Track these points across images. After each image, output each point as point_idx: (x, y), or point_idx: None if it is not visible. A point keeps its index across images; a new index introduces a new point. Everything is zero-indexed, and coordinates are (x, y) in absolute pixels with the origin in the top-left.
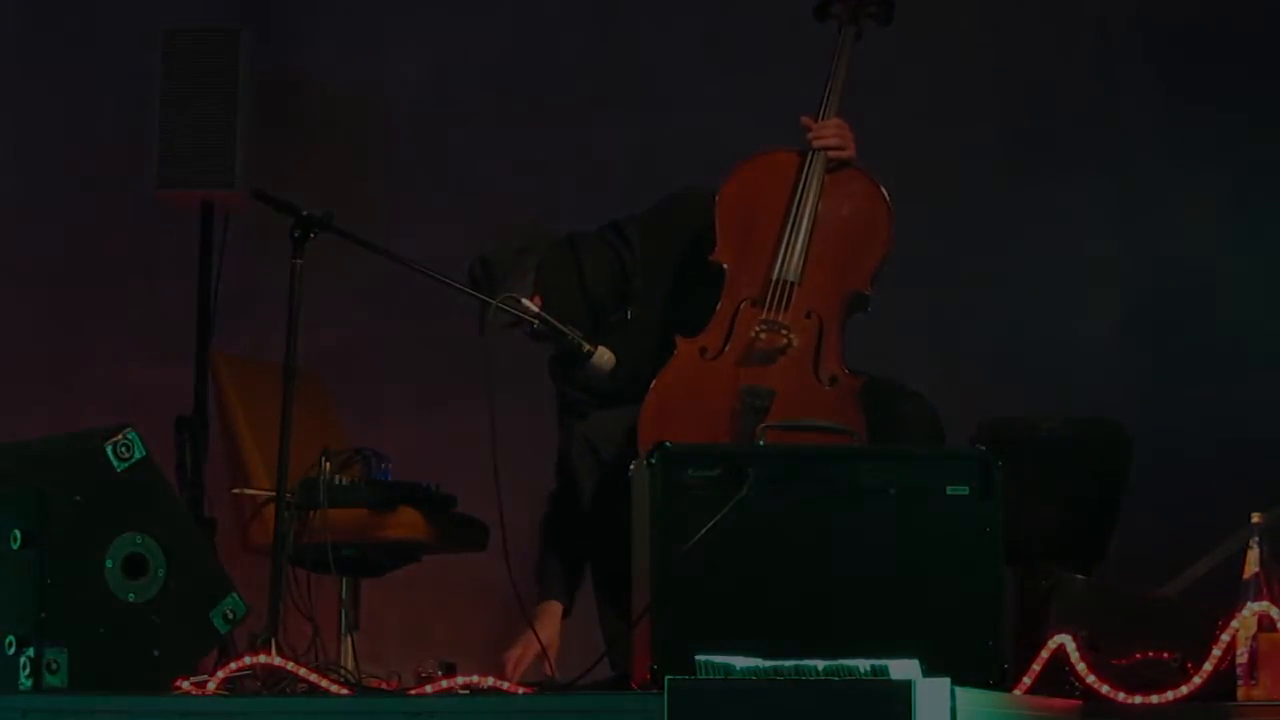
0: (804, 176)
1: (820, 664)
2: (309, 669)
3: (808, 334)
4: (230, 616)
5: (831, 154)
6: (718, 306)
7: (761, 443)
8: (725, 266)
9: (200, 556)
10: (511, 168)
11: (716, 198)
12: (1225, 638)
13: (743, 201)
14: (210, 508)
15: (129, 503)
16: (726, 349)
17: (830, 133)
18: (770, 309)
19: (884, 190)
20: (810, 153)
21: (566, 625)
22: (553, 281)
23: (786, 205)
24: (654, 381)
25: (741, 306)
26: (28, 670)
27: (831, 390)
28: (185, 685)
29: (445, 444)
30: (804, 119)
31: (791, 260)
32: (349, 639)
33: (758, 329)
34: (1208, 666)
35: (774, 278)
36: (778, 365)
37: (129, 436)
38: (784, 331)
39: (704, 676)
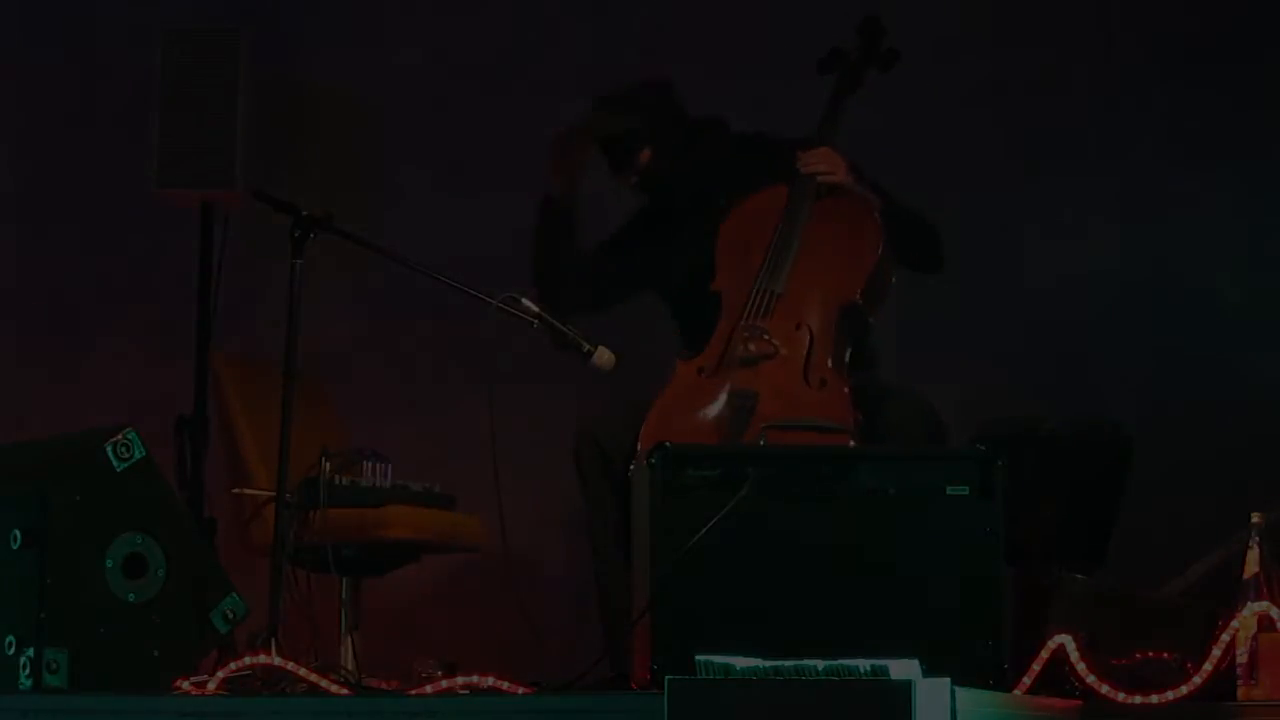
0: (792, 198)
1: (820, 664)
2: (309, 669)
3: (798, 345)
4: (230, 616)
5: (821, 178)
6: (716, 329)
7: (762, 442)
8: (723, 293)
9: (200, 556)
10: (512, 168)
11: (717, 233)
12: (1225, 638)
13: (740, 234)
14: (210, 508)
15: (129, 503)
16: (720, 365)
17: (817, 159)
18: (750, 314)
19: (874, 209)
20: (799, 178)
21: (566, 625)
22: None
23: (775, 226)
24: (655, 402)
25: (735, 326)
26: (28, 670)
27: (821, 392)
28: (185, 685)
29: (445, 444)
30: (798, 152)
31: (775, 271)
32: (349, 639)
33: (741, 333)
34: (1208, 666)
35: (756, 287)
36: (763, 368)
37: (129, 436)
38: (766, 336)
39: (704, 676)
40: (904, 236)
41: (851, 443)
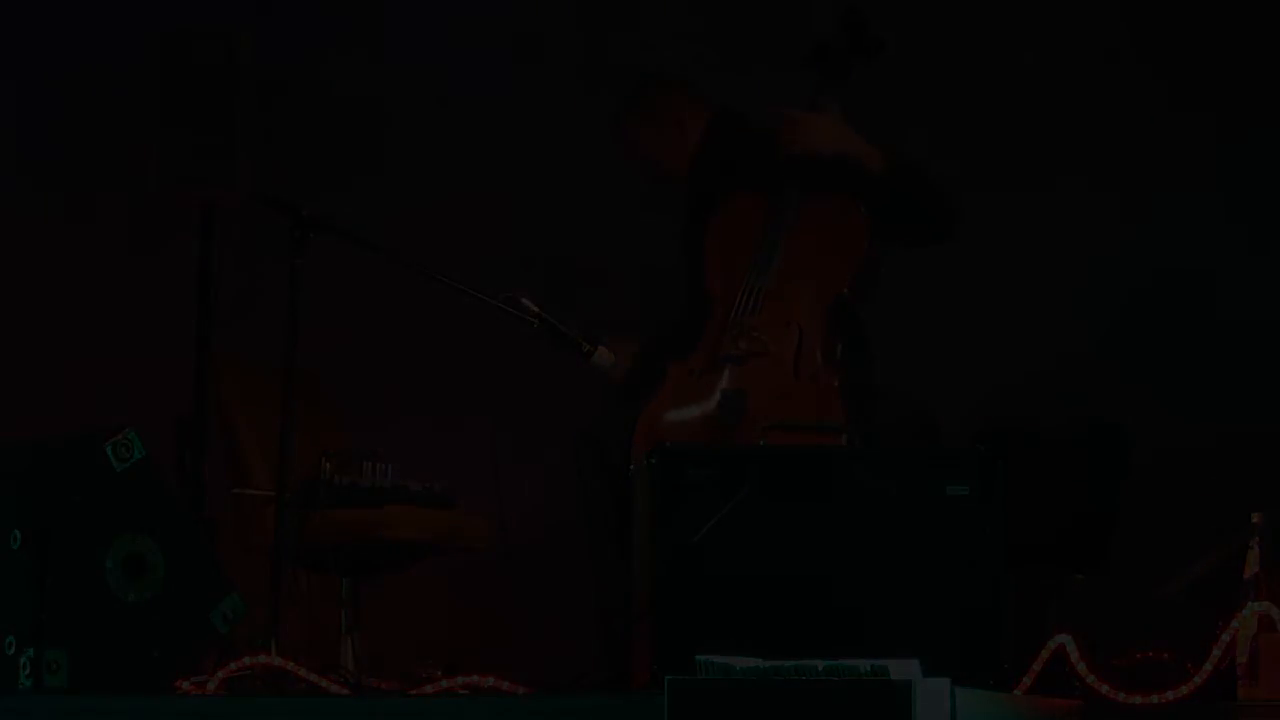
0: (776, 193)
1: (820, 664)
2: (309, 669)
3: (787, 342)
4: (230, 616)
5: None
6: (706, 331)
7: (762, 442)
8: (712, 294)
9: (200, 556)
10: (512, 168)
11: (706, 230)
12: (1225, 638)
13: (727, 233)
14: (210, 508)
15: (129, 503)
16: (711, 364)
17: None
18: (738, 312)
19: (860, 204)
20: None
21: (567, 625)
22: None
23: (762, 223)
24: (647, 407)
25: (724, 325)
26: (28, 670)
27: (811, 386)
28: (185, 685)
29: (445, 444)
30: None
31: (762, 268)
32: (349, 639)
33: (730, 331)
34: (1208, 666)
35: (745, 285)
36: (753, 366)
37: (129, 436)
38: (755, 333)
39: (704, 676)
40: (911, 196)
41: (844, 440)
